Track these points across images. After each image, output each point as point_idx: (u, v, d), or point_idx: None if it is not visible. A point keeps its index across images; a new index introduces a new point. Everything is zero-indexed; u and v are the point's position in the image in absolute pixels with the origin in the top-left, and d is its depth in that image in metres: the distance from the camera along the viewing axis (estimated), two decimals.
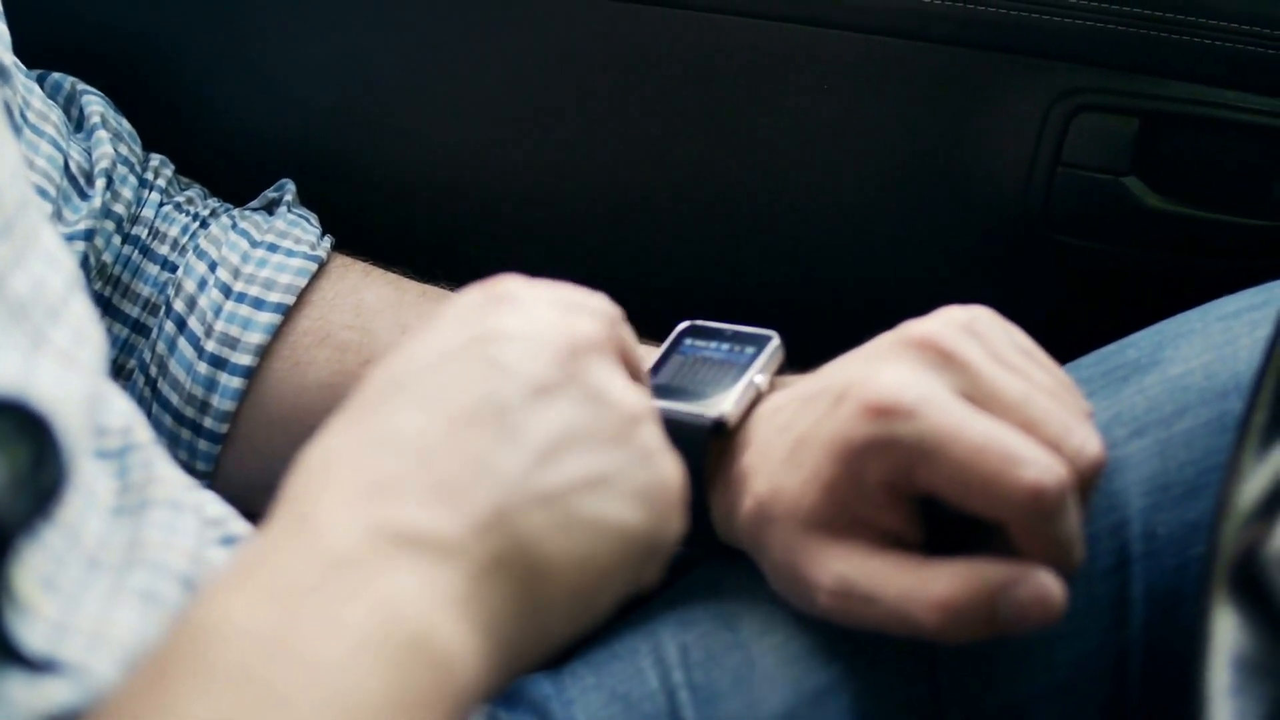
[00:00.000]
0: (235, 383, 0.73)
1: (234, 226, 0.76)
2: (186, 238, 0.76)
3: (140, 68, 0.86)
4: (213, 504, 0.54)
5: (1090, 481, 0.54)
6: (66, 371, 0.47)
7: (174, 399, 0.73)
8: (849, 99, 0.81)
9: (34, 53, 0.75)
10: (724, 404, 0.59)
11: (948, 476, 0.52)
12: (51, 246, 0.51)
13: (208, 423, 0.73)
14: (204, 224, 0.76)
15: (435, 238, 0.88)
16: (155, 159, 0.78)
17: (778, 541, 0.56)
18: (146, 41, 0.86)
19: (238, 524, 0.54)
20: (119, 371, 0.75)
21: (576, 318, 0.49)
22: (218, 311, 0.73)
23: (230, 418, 0.73)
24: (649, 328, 0.62)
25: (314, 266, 0.74)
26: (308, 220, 0.78)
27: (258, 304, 0.73)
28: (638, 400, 0.48)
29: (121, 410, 0.52)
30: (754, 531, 0.58)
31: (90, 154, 0.74)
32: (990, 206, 0.82)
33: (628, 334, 0.53)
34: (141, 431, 0.52)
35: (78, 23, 0.86)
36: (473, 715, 0.43)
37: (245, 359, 0.73)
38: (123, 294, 0.75)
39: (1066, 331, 0.64)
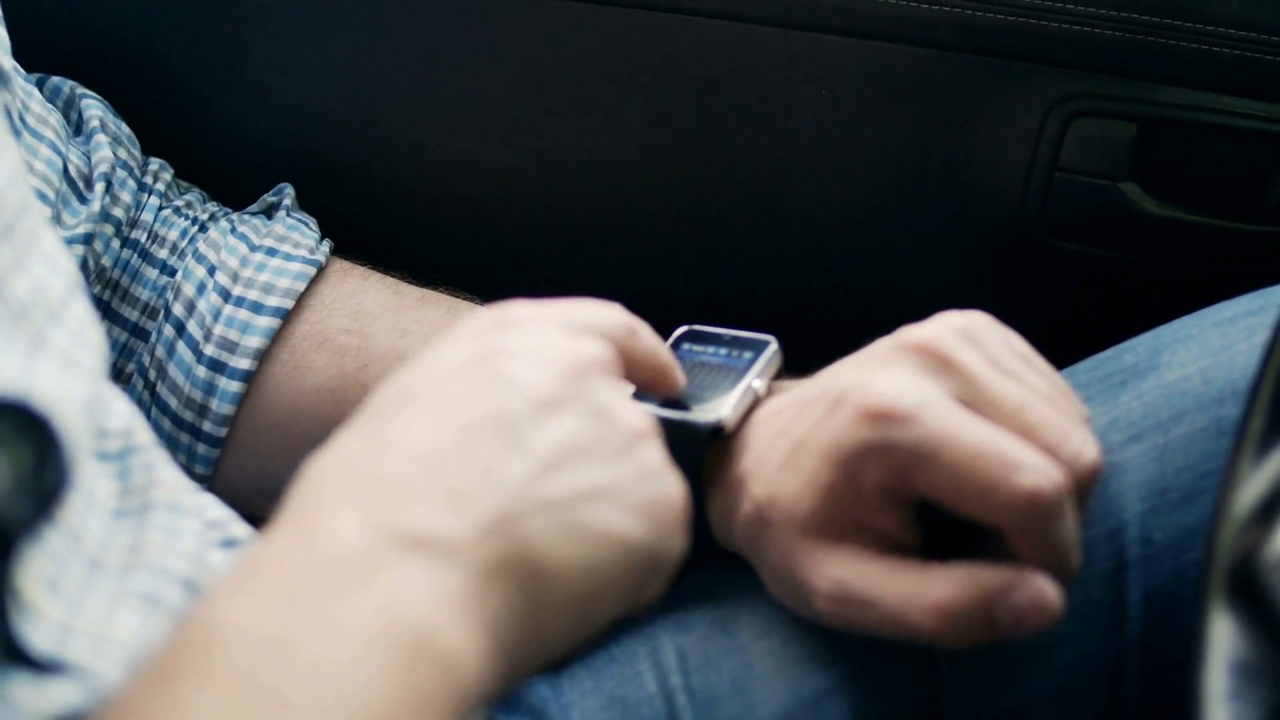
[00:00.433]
0: (234, 386, 0.73)
1: (233, 230, 0.76)
2: (185, 242, 0.76)
3: (139, 72, 0.86)
4: (214, 507, 0.54)
5: (1087, 487, 0.54)
6: (67, 373, 0.47)
7: (172, 403, 0.73)
8: (846, 105, 0.81)
9: (33, 57, 0.75)
10: (722, 409, 0.59)
11: (945, 481, 0.52)
12: (51, 249, 0.51)
13: (206, 426, 0.73)
14: (203, 228, 0.77)
15: (434, 242, 0.88)
16: (154, 163, 0.78)
17: (775, 546, 0.57)
18: (146, 46, 0.87)
19: (239, 527, 0.54)
20: (118, 375, 0.75)
21: (582, 339, 0.50)
22: (216, 315, 0.73)
23: (229, 421, 0.73)
24: None
25: (313, 270, 0.75)
26: (306, 224, 0.78)
27: (256, 308, 0.73)
28: (641, 419, 0.49)
29: (122, 412, 0.52)
30: (752, 536, 0.58)
31: (89, 158, 0.74)
32: (988, 211, 0.82)
33: (643, 340, 0.54)
34: (142, 434, 0.53)
35: (77, 27, 0.86)
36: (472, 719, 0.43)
37: (244, 363, 0.73)
38: (121, 298, 0.75)
39: (1063, 337, 0.64)
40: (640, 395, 0.57)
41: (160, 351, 0.74)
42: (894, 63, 0.80)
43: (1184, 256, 0.81)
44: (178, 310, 0.74)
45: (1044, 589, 0.52)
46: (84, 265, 0.72)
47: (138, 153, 0.78)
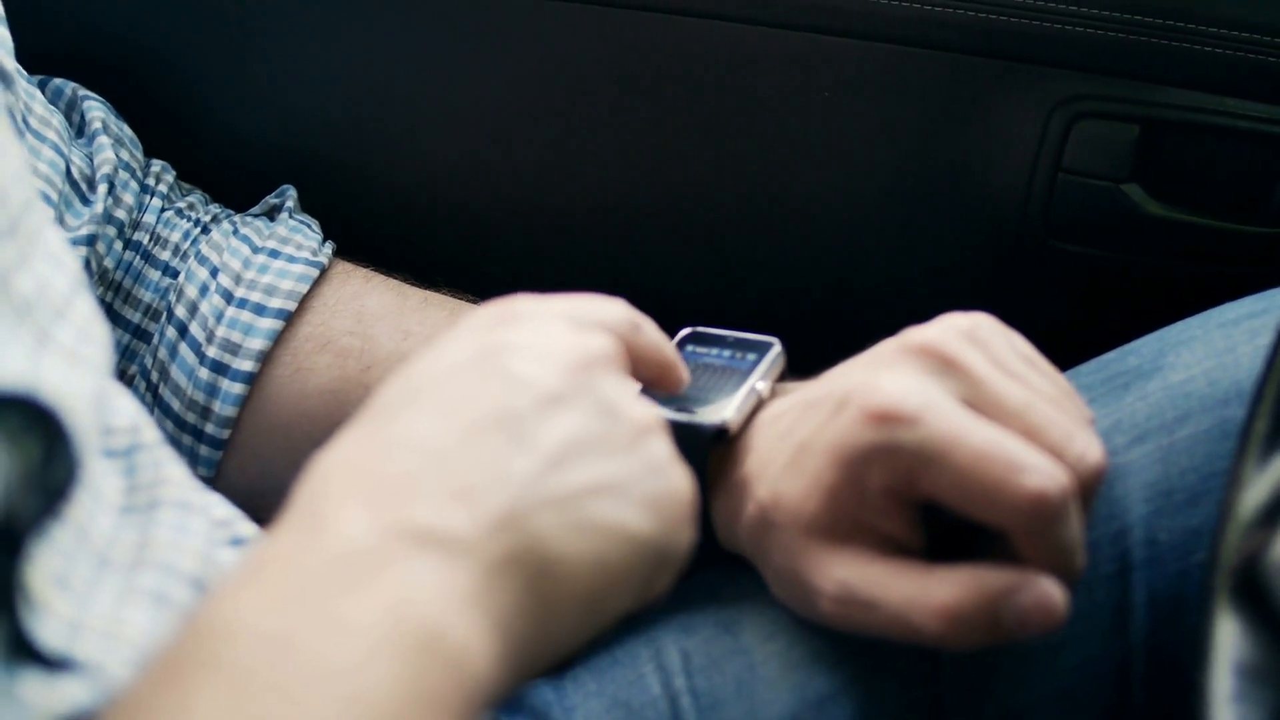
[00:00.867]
0: (236, 389, 0.73)
1: (235, 232, 0.76)
2: (188, 243, 0.76)
3: (142, 74, 0.86)
4: (220, 505, 0.54)
5: (1092, 488, 0.54)
6: (73, 370, 0.47)
7: (175, 405, 0.73)
8: (849, 106, 0.81)
9: (36, 59, 0.75)
10: (726, 410, 0.59)
11: (950, 483, 0.52)
12: (55, 247, 0.51)
13: (209, 428, 0.73)
14: (205, 230, 0.77)
15: (437, 244, 0.88)
16: (156, 165, 0.78)
17: (779, 548, 0.56)
18: (148, 47, 0.87)
19: (245, 526, 0.54)
20: (120, 377, 0.75)
21: (587, 334, 0.50)
22: (219, 317, 0.73)
23: (231, 423, 0.73)
24: None
25: (315, 272, 0.75)
26: (309, 226, 0.78)
27: (259, 310, 0.73)
28: (647, 413, 0.49)
29: (127, 410, 0.52)
30: (756, 538, 0.58)
31: (92, 160, 0.74)
32: (991, 213, 0.82)
33: (648, 336, 0.54)
34: (149, 432, 0.52)
35: (79, 29, 0.86)
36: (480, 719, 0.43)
37: (247, 365, 0.73)
38: (124, 300, 0.75)
39: (1067, 338, 0.64)
40: (644, 395, 0.56)
41: (163, 353, 0.74)
42: (896, 64, 0.80)
43: (1187, 258, 0.81)
44: (180, 312, 0.74)
45: (1049, 591, 0.52)
46: (86, 267, 0.72)
47: (140, 154, 0.78)
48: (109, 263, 0.74)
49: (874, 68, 0.80)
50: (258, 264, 0.74)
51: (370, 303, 0.75)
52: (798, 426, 0.57)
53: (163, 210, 0.77)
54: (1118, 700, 0.58)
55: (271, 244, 0.75)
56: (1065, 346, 0.62)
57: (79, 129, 0.77)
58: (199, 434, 0.73)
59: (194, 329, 0.73)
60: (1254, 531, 0.43)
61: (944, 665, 0.58)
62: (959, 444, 0.52)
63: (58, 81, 0.78)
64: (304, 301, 0.74)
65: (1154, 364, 0.61)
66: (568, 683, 0.61)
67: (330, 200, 0.82)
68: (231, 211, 0.79)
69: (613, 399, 0.48)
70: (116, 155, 0.75)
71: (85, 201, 0.72)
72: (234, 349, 0.73)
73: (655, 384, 0.56)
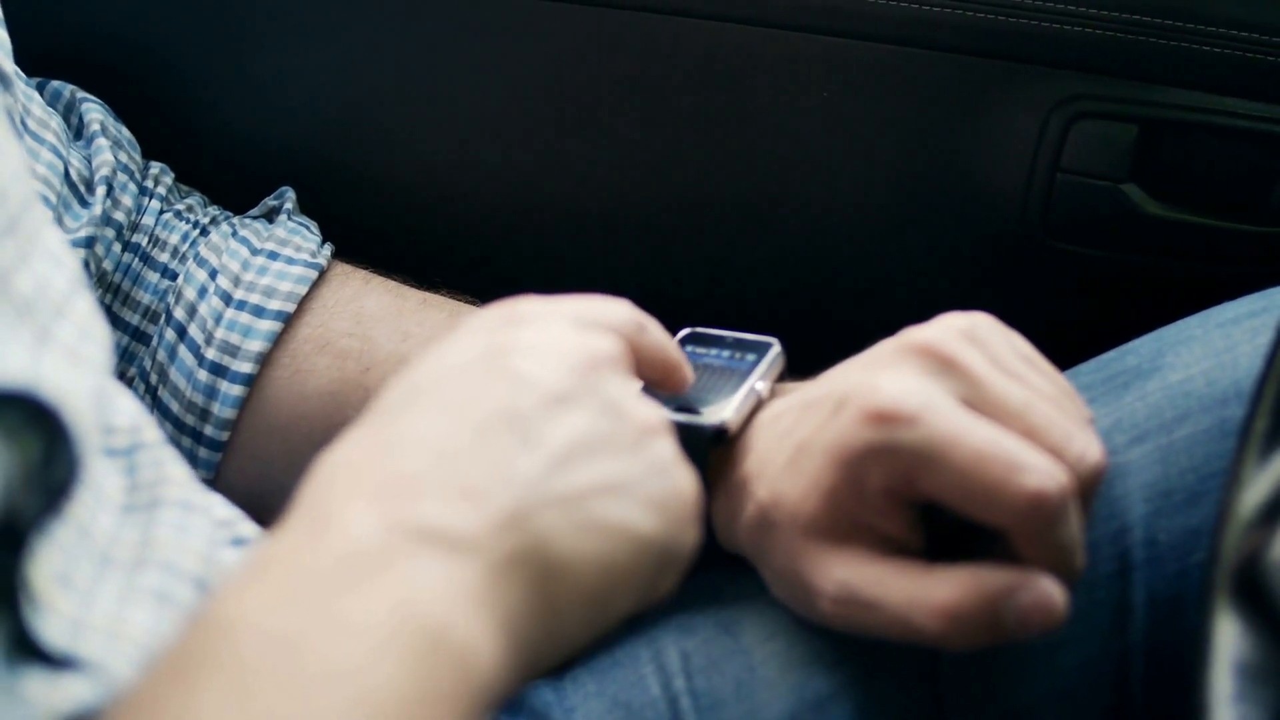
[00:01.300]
0: (236, 390, 0.73)
1: (234, 234, 0.76)
2: (187, 245, 0.76)
3: (140, 76, 0.86)
4: (221, 506, 0.54)
5: (1091, 488, 0.54)
6: (73, 368, 0.47)
7: (174, 407, 0.73)
8: (848, 106, 0.81)
9: (34, 61, 0.75)
10: (725, 411, 0.59)
11: (949, 483, 0.52)
12: (55, 246, 0.51)
13: (208, 430, 0.73)
14: (204, 232, 0.77)
15: (435, 245, 0.88)
16: (155, 167, 0.78)
17: (779, 548, 0.56)
18: (146, 49, 0.87)
19: (247, 526, 0.54)
20: (119, 379, 0.75)
21: (592, 335, 0.50)
22: (218, 319, 0.73)
23: (231, 425, 0.73)
24: None
25: (314, 274, 0.75)
26: (308, 228, 0.78)
27: (258, 311, 0.73)
28: (652, 413, 0.49)
29: (128, 409, 0.52)
30: (755, 538, 0.58)
31: (90, 162, 0.74)
32: (990, 213, 0.82)
33: (653, 336, 0.54)
34: (150, 431, 0.52)
35: (77, 31, 0.86)
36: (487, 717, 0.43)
37: (246, 366, 0.73)
38: (123, 302, 0.75)
39: (1066, 338, 0.64)
40: (644, 395, 0.56)
41: (161, 355, 0.74)
42: (895, 65, 0.80)
43: (1186, 258, 0.81)
44: (179, 314, 0.74)
45: (1049, 590, 0.52)
46: (85, 269, 0.72)
47: (138, 156, 0.78)
48: (107, 265, 0.74)
49: (872, 68, 0.80)
50: (256, 266, 0.74)
51: (369, 304, 0.75)
52: (797, 427, 0.57)
53: (161, 212, 0.77)
54: (1117, 700, 0.58)
55: (270, 246, 0.75)
56: (1064, 346, 0.62)
57: (77, 131, 0.77)
58: (198, 436, 0.73)
59: (193, 331, 0.73)
60: (1253, 531, 0.43)
61: (943, 665, 0.58)
62: (958, 444, 0.52)
63: (56, 84, 0.78)
64: (303, 303, 0.74)
65: (1153, 363, 0.61)
66: (567, 683, 0.61)
67: (329, 202, 0.82)
68: (230, 213, 0.79)
69: (618, 399, 0.48)
70: (115, 157, 0.75)
71: (83, 203, 0.72)
72: (233, 351, 0.73)
73: (660, 384, 0.56)
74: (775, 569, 0.57)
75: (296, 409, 0.73)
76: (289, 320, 0.73)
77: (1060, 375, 0.57)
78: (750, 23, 0.80)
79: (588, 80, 0.83)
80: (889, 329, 0.58)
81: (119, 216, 0.74)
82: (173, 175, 0.79)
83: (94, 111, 0.77)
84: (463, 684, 0.41)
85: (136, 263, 0.75)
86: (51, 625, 0.43)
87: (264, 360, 0.73)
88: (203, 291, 0.74)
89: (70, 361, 0.47)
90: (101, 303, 0.74)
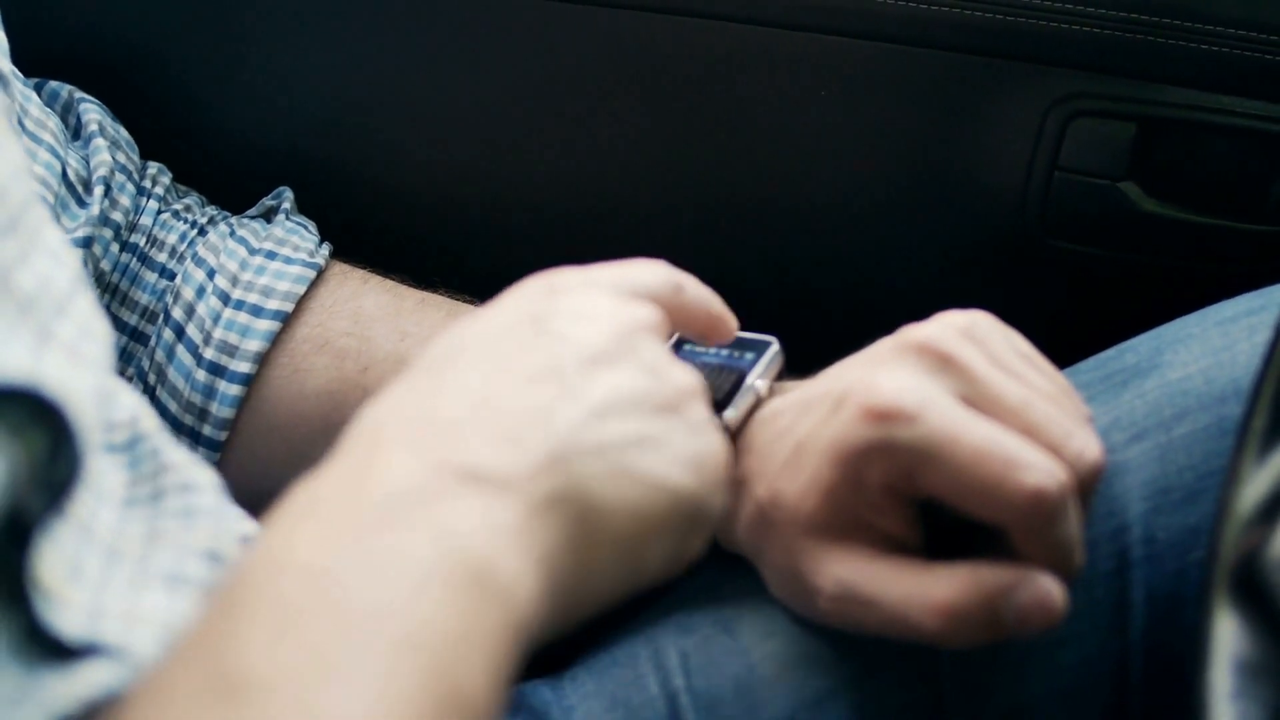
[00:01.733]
0: (234, 390, 0.73)
1: (232, 234, 0.76)
2: (185, 245, 0.76)
3: (138, 76, 0.86)
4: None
5: (1090, 486, 0.54)
6: (74, 366, 0.47)
7: (172, 407, 0.73)
8: (847, 105, 0.81)
9: (31, 61, 0.75)
10: (724, 410, 0.59)
11: (948, 481, 0.52)
12: (55, 245, 0.51)
13: (206, 430, 0.73)
14: (202, 231, 0.76)
15: (434, 245, 0.88)
16: (153, 167, 0.78)
17: (778, 546, 0.56)
18: (144, 50, 0.86)
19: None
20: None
21: (631, 303, 0.52)
22: (216, 319, 0.73)
23: (229, 425, 0.73)
24: None
25: (312, 274, 0.74)
26: (306, 228, 0.78)
27: (256, 311, 0.73)
28: (689, 377, 0.51)
29: (128, 404, 0.52)
30: (754, 536, 0.58)
31: (88, 162, 0.74)
32: (988, 211, 0.82)
33: (692, 293, 0.56)
34: (147, 420, 0.52)
35: (75, 31, 0.86)
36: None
37: (244, 366, 0.73)
38: (121, 302, 0.75)
39: (1064, 336, 0.64)
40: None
41: (160, 355, 0.74)
42: (894, 63, 0.80)
43: (1184, 256, 0.81)
44: (177, 314, 0.74)
45: (1048, 588, 0.52)
46: (83, 268, 0.72)
47: (136, 156, 0.78)
48: (105, 265, 0.74)
49: (870, 67, 0.80)
50: (254, 265, 0.74)
51: (367, 304, 0.75)
52: (796, 425, 0.57)
53: (159, 212, 0.76)
54: (1116, 698, 0.58)
55: (268, 245, 0.75)
56: (1063, 344, 0.62)
57: (75, 131, 0.76)
58: (196, 436, 0.73)
59: (191, 331, 0.73)
60: (1252, 528, 0.43)
61: (943, 663, 0.58)
62: (957, 441, 0.52)
63: (54, 84, 0.78)
64: (301, 303, 0.74)
65: (1151, 362, 0.61)
66: (566, 683, 0.61)
67: (327, 201, 0.82)
68: (228, 213, 0.79)
69: (656, 362, 0.50)
70: (113, 157, 0.75)
71: (81, 204, 0.72)
72: (231, 351, 0.73)
73: (706, 337, 0.58)
74: (774, 567, 0.57)
75: (295, 408, 0.73)
76: (287, 320, 0.73)
77: (1059, 373, 0.57)
78: (749, 22, 0.80)
79: (587, 80, 0.83)
80: (887, 327, 0.58)
81: (117, 216, 0.74)
82: (170, 175, 0.79)
83: (92, 111, 0.77)
84: (502, 619, 0.42)
85: (134, 263, 0.75)
86: (67, 616, 0.43)
87: (262, 360, 0.73)
88: (201, 291, 0.74)
89: (71, 360, 0.47)
90: (99, 303, 0.74)
